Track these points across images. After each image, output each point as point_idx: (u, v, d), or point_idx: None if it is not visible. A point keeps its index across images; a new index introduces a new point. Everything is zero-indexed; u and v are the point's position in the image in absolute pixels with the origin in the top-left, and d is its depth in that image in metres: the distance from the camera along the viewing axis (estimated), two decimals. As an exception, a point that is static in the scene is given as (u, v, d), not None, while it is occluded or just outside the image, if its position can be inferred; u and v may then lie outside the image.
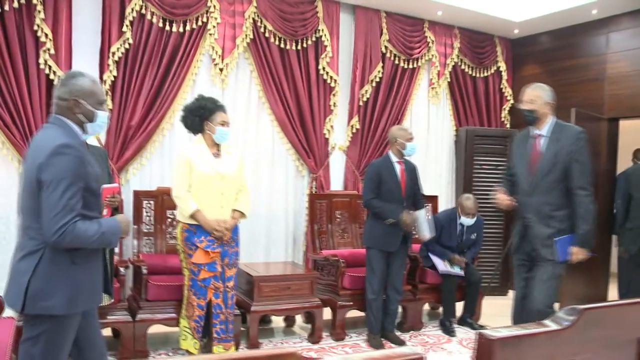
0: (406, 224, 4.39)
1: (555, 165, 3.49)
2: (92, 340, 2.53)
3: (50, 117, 2.38)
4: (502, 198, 3.77)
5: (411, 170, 4.66)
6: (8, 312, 3.42)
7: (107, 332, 4.25)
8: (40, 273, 2.21)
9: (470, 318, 5.17)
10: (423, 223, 4.51)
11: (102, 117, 2.42)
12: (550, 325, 1.07)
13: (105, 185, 3.44)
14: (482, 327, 5.12)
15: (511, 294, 6.61)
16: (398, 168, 4.55)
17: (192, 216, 3.78)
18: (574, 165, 3.45)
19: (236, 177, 3.96)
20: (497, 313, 5.75)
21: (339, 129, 6.02)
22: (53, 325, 2.25)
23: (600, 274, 6.02)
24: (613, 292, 6.22)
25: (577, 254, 3.46)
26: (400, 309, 4.89)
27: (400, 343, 4.63)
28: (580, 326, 1.07)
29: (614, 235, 5.99)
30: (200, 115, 3.90)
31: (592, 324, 1.11)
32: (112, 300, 3.77)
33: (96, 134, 2.53)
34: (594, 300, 5.90)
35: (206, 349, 4.08)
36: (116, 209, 3.74)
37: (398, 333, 4.78)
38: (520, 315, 3.77)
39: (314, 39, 5.73)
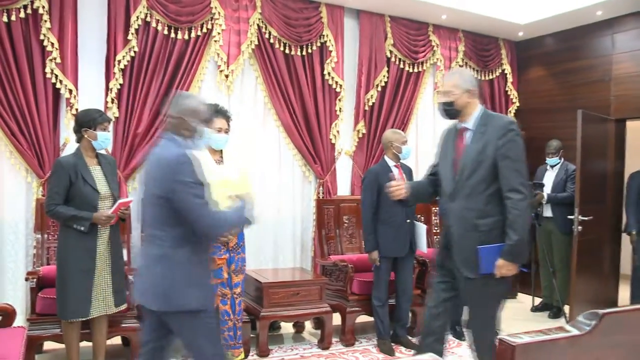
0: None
1: (480, 164, 2.94)
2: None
3: (162, 133, 2.69)
4: (393, 186, 3.25)
5: (408, 173, 4.67)
6: (18, 322, 3.44)
7: (116, 340, 4.25)
8: (173, 276, 2.47)
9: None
10: (422, 237, 4.52)
11: (209, 133, 2.81)
12: (571, 330, 1.06)
13: (120, 200, 3.51)
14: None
15: (520, 296, 6.61)
16: (396, 172, 4.54)
17: None
18: (503, 163, 2.89)
19: (238, 183, 3.95)
20: (506, 316, 5.68)
21: (345, 134, 6.01)
22: (195, 319, 2.51)
23: (609, 276, 5.98)
24: (623, 294, 6.18)
25: (502, 267, 2.90)
26: (409, 314, 4.87)
27: (414, 347, 4.59)
28: (601, 331, 1.06)
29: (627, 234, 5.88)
30: None
31: (613, 328, 1.09)
32: (125, 307, 3.77)
33: (201, 149, 2.81)
34: (604, 302, 5.86)
35: (216, 356, 4.07)
36: (123, 220, 3.77)
37: (408, 337, 4.75)
38: (426, 337, 3.24)
39: (318, 44, 5.73)
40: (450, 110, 3.08)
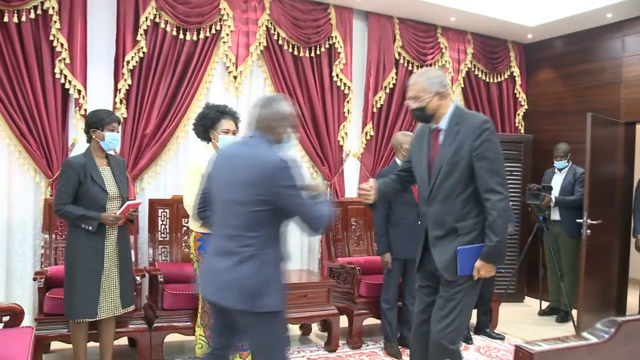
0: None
1: (455, 166, 2.83)
2: None
3: (252, 132, 2.64)
4: (363, 189, 3.12)
5: None
6: (26, 322, 3.44)
7: (123, 341, 4.26)
8: (260, 275, 2.49)
9: (487, 325, 5.11)
10: None
11: (293, 138, 2.75)
12: (589, 338, 1.04)
13: (129, 202, 3.51)
14: (498, 334, 5.07)
15: (527, 300, 6.58)
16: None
17: (205, 225, 3.77)
18: (480, 163, 2.79)
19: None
20: (513, 320, 5.70)
21: (353, 136, 6.00)
22: (274, 320, 2.54)
23: (618, 280, 5.94)
24: (631, 299, 6.14)
25: (481, 269, 2.82)
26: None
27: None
28: (620, 339, 1.04)
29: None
30: (204, 125, 3.91)
31: (632, 336, 1.07)
32: (133, 308, 3.77)
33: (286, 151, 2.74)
34: (612, 306, 5.83)
35: (223, 357, 4.07)
36: (132, 222, 3.77)
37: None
38: (418, 345, 3.15)
39: (327, 45, 5.72)
40: (422, 115, 2.95)
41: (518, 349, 0.99)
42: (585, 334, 1.07)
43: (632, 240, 5.64)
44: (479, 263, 2.81)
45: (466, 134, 2.82)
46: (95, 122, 3.56)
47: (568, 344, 1.04)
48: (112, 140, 3.61)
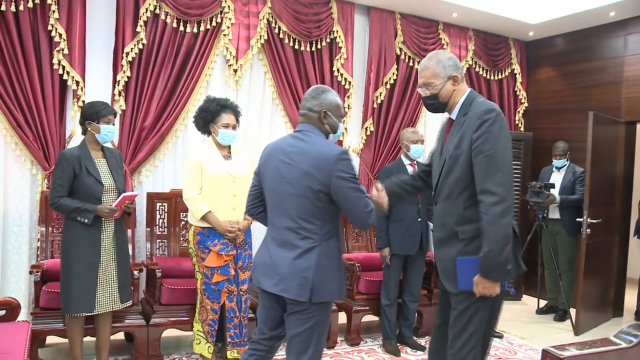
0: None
1: (456, 161, 2.55)
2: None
3: (301, 126, 2.67)
4: (375, 197, 2.82)
5: None
6: (22, 316, 3.39)
7: (120, 336, 4.21)
8: (320, 267, 2.51)
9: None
10: (431, 237, 4.48)
11: (341, 128, 2.75)
12: (618, 342, 1.01)
13: (125, 194, 3.47)
14: (496, 332, 5.05)
15: (525, 298, 6.57)
16: (410, 170, 4.51)
17: (204, 218, 3.74)
18: (476, 159, 2.46)
19: (247, 178, 3.90)
20: (511, 318, 5.69)
21: (352, 131, 5.96)
22: (325, 311, 2.60)
23: (616, 280, 5.93)
24: (629, 298, 6.14)
25: (478, 284, 2.45)
26: (416, 314, 4.82)
27: (420, 348, 4.56)
28: (649, 343, 1.01)
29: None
30: (204, 118, 3.88)
31: (661, 341, 1.05)
32: (130, 303, 3.72)
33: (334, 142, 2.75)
34: (610, 306, 5.83)
35: (220, 353, 4.04)
36: (129, 215, 3.72)
37: (414, 338, 4.71)
38: (436, 349, 2.87)
39: (328, 40, 5.67)
40: (434, 104, 2.67)
41: (546, 353, 0.95)
42: (612, 339, 1.04)
43: (632, 240, 5.63)
44: (477, 277, 2.46)
45: (468, 125, 2.51)
46: (91, 114, 3.52)
47: (597, 349, 1.00)
48: (108, 132, 3.56)
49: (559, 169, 5.88)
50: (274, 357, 2.89)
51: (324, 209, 2.53)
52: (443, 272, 2.66)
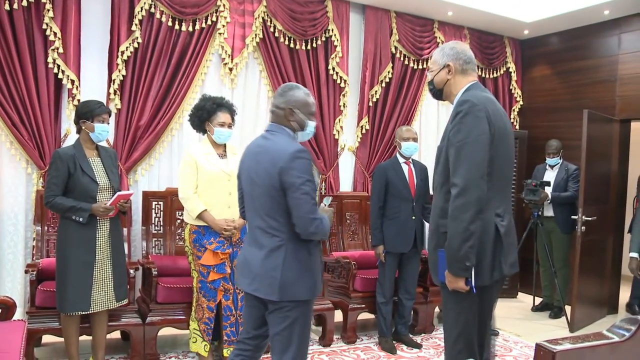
0: None
1: (440, 154, 2.54)
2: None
3: (270, 125, 2.68)
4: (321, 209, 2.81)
5: (421, 171, 4.63)
6: (17, 315, 3.39)
7: (116, 334, 4.21)
8: (288, 265, 2.51)
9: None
10: (425, 236, 4.50)
11: (311, 126, 2.70)
12: (611, 336, 1.02)
13: (119, 192, 3.46)
14: (492, 330, 5.05)
15: (521, 296, 6.59)
16: (406, 168, 4.52)
17: (200, 217, 3.75)
18: (449, 151, 2.42)
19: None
20: (507, 315, 5.71)
21: (348, 130, 5.97)
22: (302, 309, 2.56)
23: (611, 277, 5.96)
24: (624, 295, 6.17)
25: (448, 280, 2.43)
26: (412, 312, 4.83)
27: (416, 346, 4.58)
28: (642, 337, 1.02)
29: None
30: (200, 117, 3.88)
31: (654, 334, 1.06)
32: (126, 301, 3.72)
33: (304, 140, 2.76)
34: (605, 303, 5.85)
35: (217, 351, 4.04)
36: (124, 213, 3.72)
37: (410, 335, 4.72)
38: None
39: (323, 38, 5.68)
40: (432, 89, 2.69)
41: (539, 348, 0.96)
42: (605, 333, 1.05)
43: (627, 237, 5.64)
44: (446, 271, 2.43)
45: (451, 117, 2.50)
46: (85, 113, 3.51)
47: (590, 342, 1.01)
48: (102, 131, 3.55)
49: (552, 167, 5.90)
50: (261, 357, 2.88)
51: (286, 207, 2.51)
52: (430, 264, 2.67)
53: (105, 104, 3.85)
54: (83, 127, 3.53)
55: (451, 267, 2.38)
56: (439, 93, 2.68)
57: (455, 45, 2.63)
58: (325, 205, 2.94)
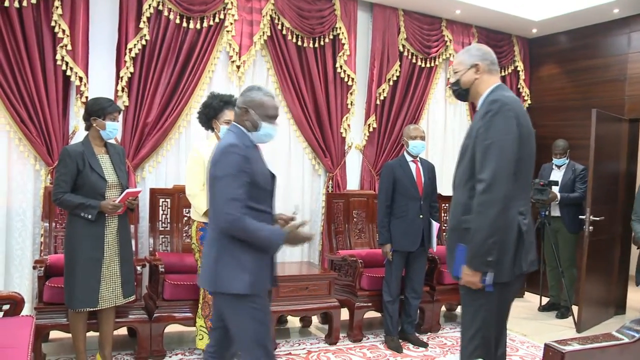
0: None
1: (465, 151, 2.61)
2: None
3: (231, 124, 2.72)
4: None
5: (429, 170, 4.63)
6: (25, 311, 3.40)
7: (123, 331, 4.23)
8: (221, 258, 2.53)
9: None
10: (433, 235, 4.51)
11: (266, 129, 2.67)
12: (621, 337, 1.01)
13: (128, 190, 3.47)
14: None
15: (528, 295, 6.56)
16: (413, 167, 4.52)
17: (207, 214, 3.75)
18: (478, 148, 2.49)
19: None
20: (513, 315, 5.60)
21: (355, 128, 5.97)
22: (246, 304, 2.51)
23: (618, 277, 5.93)
24: (632, 295, 6.14)
25: (465, 274, 2.49)
26: (418, 311, 4.83)
27: (422, 345, 4.57)
28: (651, 339, 1.01)
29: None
30: (207, 114, 3.89)
31: (663, 336, 1.05)
32: (134, 298, 3.73)
33: (261, 143, 2.74)
34: (613, 303, 5.82)
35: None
36: (132, 210, 3.73)
37: (416, 334, 4.72)
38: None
39: (331, 36, 5.67)
40: (457, 90, 2.75)
41: (548, 348, 0.96)
42: (615, 334, 1.04)
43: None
44: (464, 266, 2.50)
45: (478, 115, 2.59)
46: (97, 111, 3.52)
47: (599, 344, 1.01)
48: (113, 129, 3.56)
49: (559, 166, 5.87)
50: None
51: None
52: (448, 261, 2.70)
53: (115, 102, 3.87)
54: (94, 125, 3.53)
55: (472, 261, 2.44)
56: (464, 93, 2.73)
57: (481, 47, 2.72)
58: (295, 213, 2.91)
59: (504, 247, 2.45)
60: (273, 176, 2.76)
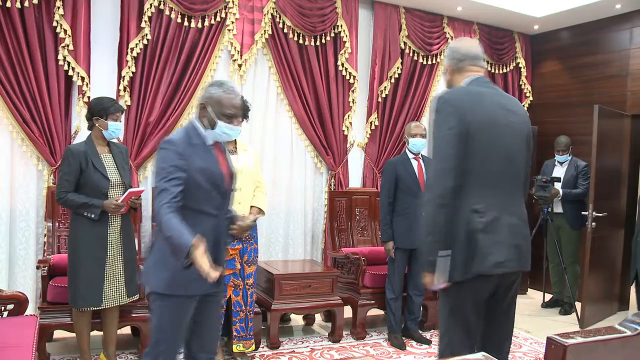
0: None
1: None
2: (200, 327, 2.62)
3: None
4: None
5: (431, 167, 4.61)
6: (29, 310, 3.42)
7: (126, 330, 4.24)
8: (152, 254, 2.50)
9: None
10: None
11: (222, 127, 2.52)
12: (623, 330, 1.01)
13: (131, 189, 3.48)
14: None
15: (530, 292, 6.57)
16: (415, 164, 4.52)
17: None
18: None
19: (253, 173, 3.93)
20: (517, 312, 5.59)
21: (357, 126, 5.96)
22: (160, 302, 2.45)
23: (621, 273, 5.92)
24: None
25: (422, 274, 2.49)
26: (421, 308, 4.83)
27: (426, 342, 4.58)
28: (654, 332, 1.02)
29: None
30: None
31: (666, 329, 1.05)
32: (137, 297, 3.74)
33: (218, 141, 2.60)
34: (616, 299, 5.82)
35: (226, 347, 4.06)
36: (135, 210, 3.74)
37: (420, 332, 4.72)
38: None
39: (332, 34, 5.67)
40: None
41: (550, 341, 0.96)
42: (617, 327, 1.05)
43: None
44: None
45: None
46: (100, 111, 3.52)
47: (602, 336, 1.01)
48: (115, 129, 3.57)
49: (561, 163, 5.87)
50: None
51: None
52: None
53: (117, 102, 3.87)
54: (96, 125, 3.54)
55: (427, 263, 2.41)
56: None
57: (452, 44, 2.66)
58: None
59: (453, 247, 2.38)
60: (231, 176, 2.63)
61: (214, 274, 2.18)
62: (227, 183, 2.57)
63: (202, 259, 2.18)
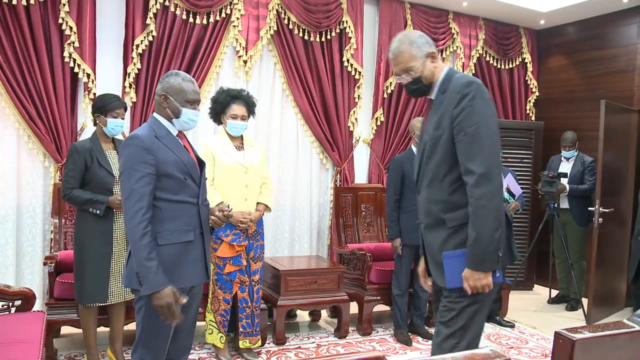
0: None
1: (437, 142, 2.32)
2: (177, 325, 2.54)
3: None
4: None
5: None
6: (36, 307, 3.43)
7: (133, 326, 4.24)
8: (131, 255, 2.42)
9: (496, 313, 5.08)
10: None
11: (188, 114, 2.53)
12: (632, 325, 1.01)
13: None
14: (508, 322, 5.05)
15: (537, 288, 6.55)
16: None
17: None
18: (458, 138, 2.24)
19: (259, 169, 3.93)
20: (523, 307, 5.68)
21: (363, 122, 5.96)
22: (146, 302, 2.41)
23: (628, 269, 5.89)
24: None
25: (469, 279, 2.22)
26: (427, 304, 4.82)
27: (432, 338, 4.55)
28: (662, 326, 1.01)
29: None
30: (215, 109, 3.90)
31: (674, 323, 1.05)
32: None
33: (184, 130, 2.61)
34: (622, 295, 5.79)
35: (232, 343, 4.07)
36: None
37: (426, 327, 4.72)
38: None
39: (338, 30, 5.66)
40: (419, 88, 2.43)
41: (558, 336, 0.95)
42: (626, 321, 1.04)
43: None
44: (465, 271, 2.23)
45: (449, 102, 2.29)
46: (100, 107, 3.55)
47: (610, 331, 1.00)
48: (115, 126, 3.57)
49: (567, 159, 5.84)
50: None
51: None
52: (432, 263, 2.42)
53: (121, 98, 3.88)
54: (97, 121, 3.57)
55: (483, 261, 2.19)
56: (427, 89, 2.44)
57: (421, 33, 2.46)
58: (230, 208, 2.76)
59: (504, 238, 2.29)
60: (201, 164, 2.64)
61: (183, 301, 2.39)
62: (198, 171, 2.60)
63: (170, 307, 2.32)
